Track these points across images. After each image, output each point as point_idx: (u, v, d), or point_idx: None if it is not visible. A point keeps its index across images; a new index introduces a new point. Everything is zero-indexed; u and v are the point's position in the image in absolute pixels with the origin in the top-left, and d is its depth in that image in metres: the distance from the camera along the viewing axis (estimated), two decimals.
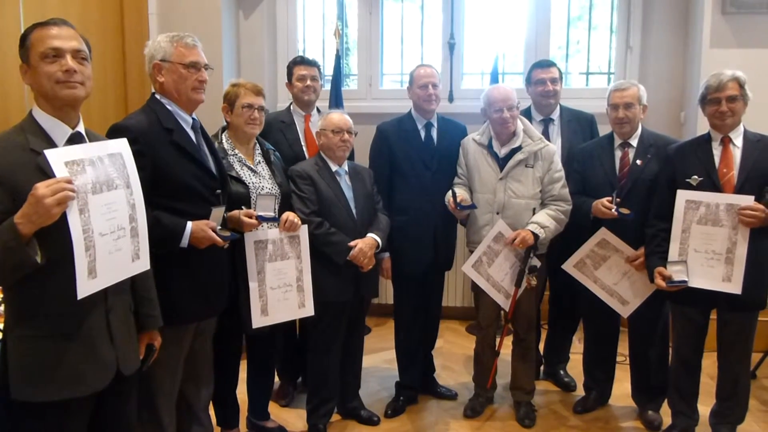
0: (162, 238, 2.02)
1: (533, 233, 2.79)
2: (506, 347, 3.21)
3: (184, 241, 2.09)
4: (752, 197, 2.44)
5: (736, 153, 2.56)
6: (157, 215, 2.03)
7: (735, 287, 2.48)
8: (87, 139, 1.71)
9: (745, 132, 2.60)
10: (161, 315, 1.96)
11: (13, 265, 1.50)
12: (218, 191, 2.23)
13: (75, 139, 1.67)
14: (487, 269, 2.90)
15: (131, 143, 1.79)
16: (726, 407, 2.77)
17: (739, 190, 2.51)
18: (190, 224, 2.09)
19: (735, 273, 2.48)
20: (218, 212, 2.20)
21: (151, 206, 1.95)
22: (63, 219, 1.49)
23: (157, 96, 2.19)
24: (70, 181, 1.49)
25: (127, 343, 1.78)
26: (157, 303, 1.95)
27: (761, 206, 2.42)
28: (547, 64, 3.32)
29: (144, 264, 1.78)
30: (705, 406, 2.85)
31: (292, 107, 3.27)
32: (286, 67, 3.33)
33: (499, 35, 4.53)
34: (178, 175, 2.10)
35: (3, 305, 1.64)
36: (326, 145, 2.83)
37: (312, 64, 3.25)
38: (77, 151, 1.59)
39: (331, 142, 2.81)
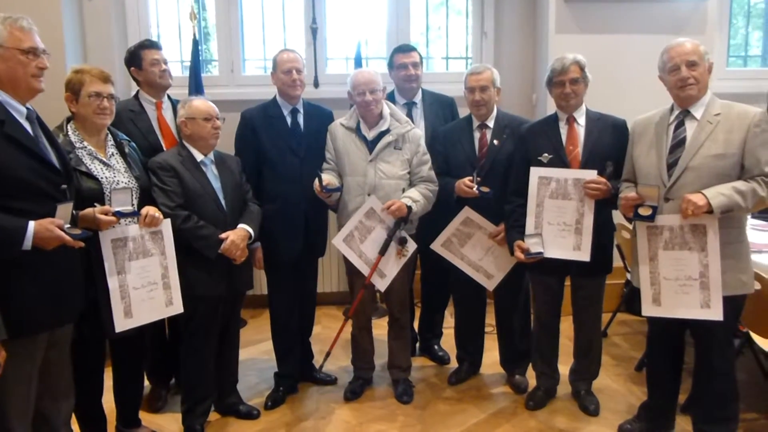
0: None
1: (407, 205, 2.86)
2: (383, 328, 3.28)
3: (27, 244, 1.89)
4: (595, 171, 2.66)
5: (580, 131, 2.77)
6: None
7: (584, 255, 2.70)
8: None
9: (587, 111, 2.81)
10: (6, 326, 1.79)
11: None
12: (63, 186, 2.04)
13: None
14: (359, 245, 2.93)
15: None
16: (582, 365, 3.03)
17: (584, 165, 2.72)
18: (32, 224, 1.90)
19: (584, 242, 2.70)
20: (65, 209, 2.02)
21: None
22: None
23: None
24: None
25: None
26: None
27: (603, 179, 2.64)
28: (408, 49, 3.40)
29: None
30: (565, 366, 3.10)
31: (140, 94, 3.07)
32: (128, 53, 3.09)
33: (361, 20, 4.56)
34: (13, 171, 1.89)
35: None
36: (197, 135, 2.70)
37: (161, 47, 3.09)
38: None
39: (204, 131, 2.69)
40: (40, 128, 2.07)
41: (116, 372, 2.70)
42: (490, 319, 3.34)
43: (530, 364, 3.18)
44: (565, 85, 2.72)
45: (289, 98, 3.02)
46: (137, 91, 3.10)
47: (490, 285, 3.07)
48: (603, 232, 2.77)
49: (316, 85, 4.40)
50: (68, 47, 3.75)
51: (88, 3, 4.04)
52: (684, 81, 2.36)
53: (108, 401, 2.68)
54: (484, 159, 2.99)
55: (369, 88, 2.88)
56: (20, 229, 1.88)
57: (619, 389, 3.20)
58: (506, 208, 2.89)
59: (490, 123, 3.03)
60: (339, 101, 3.51)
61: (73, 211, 2.13)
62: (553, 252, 2.74)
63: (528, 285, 3.12)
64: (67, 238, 1.97)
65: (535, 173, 2.76)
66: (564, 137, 2.78)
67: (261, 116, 3.03)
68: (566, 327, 3.06)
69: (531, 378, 3.18)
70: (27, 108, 2.02)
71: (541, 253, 2.74)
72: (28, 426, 2.10)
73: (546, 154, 2.76)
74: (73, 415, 2.40)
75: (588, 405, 2.96)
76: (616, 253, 3.09)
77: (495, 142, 2.99)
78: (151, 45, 3.07)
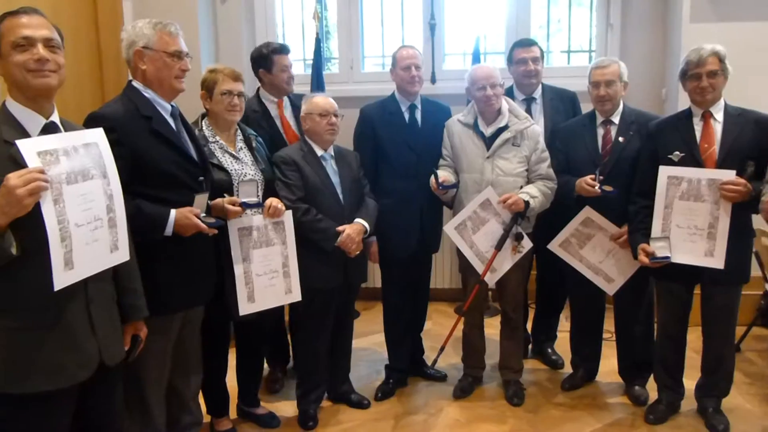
0: (145, 227, 2.00)
1: (524, 200, 2.80)
2: (494, 327, 3.24)
3: (168, 230, 2.07)
4: (734, 172, 2.45)
5: (717, 128, 2.57)
6: (139, 204, 2.00)
7: (718, 262, 2.50)
8: (62, 129, 1.68)
9: (726, 107, 2.60)
10: (147, 305, 1.94)
11: None
12: (201, 178, 2.21)
13: (49, 128, 1.64)
14: (471, 235, 2.90)
15: (108, 132, 1.76)
16: (711, 381, 2.81)
17: (721, 164, 2.52)
18: (173, 212, 2.07)
19: (717, 248, 2.50)
20: (202, 199, 2.18)
21: (132, 195, 1.95)
22: (38, 210, 1.47)
23: (134, 83, 2.15)
24: (42, 171, 1.47)
25: (109, 333, 1.76)
26: (142, 293, 1.93)
27: (743, 180, 2.43)
28: (528, 44, 3.31)
29: (123, 255, 1.75)
30: (690, 380, 2.89)
31: (261, 93, 3.17)
32: (259, 54, 3.15)
33: (479, 15, 4.51)
34: (158, 163, 2.07)
35: None
36: (313, 130, 2.79)
37: (290, 51, 3.18)
38: (51, 141, 1.56)
39: (319, 126, 2.77)
40: (182, 124, 2.24)
41: (239, 353, 2.87)
42: (609, 326, 3.19)
43: (651, 376, 3.00)
44: (702, 78, 2.53)
45: (408, 94, 3.04)
46: (258, 90, 3.19)
47: (610, 289, 2.93)
48: (740, 238, 2.55)
49: (433, 80, 4.40)
50: (203, 48, 4.02)
51: (221, 7, 4.30)
52: None
53: (230, 380, 2.83)
54: (608, 157, 2.85)
55: (489, 82, 2.84)
56: (164, 216, 2.06)
57: (752, 410, 2.94)
58: (630, 209, 2.74)
59: (615, 119, 2.88)
60: (456, 97, 3.49)
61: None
62: (682, 257, 2.56)
63: (652, 291, 2.94)
64: (203, 226, 2.12)
65: (665, 172, 2.59)
66: (698, 134, 2.58)
67: (379, 112, 3.07)
68: (694, 339, 2.85)
69: (651, 390, 3.00)
70: (171, 105, 2.19)
71: (667, 257, 2.58)
72: (161, 397, 2.29)
73: (677, 152, 2.59)
74: (200, 391, 2.57)
75: (716, 424, 2.73)
76: (754, 261, 2.83)
77: (620, 139, 2.83)
78: (281, 50, 3.13)
